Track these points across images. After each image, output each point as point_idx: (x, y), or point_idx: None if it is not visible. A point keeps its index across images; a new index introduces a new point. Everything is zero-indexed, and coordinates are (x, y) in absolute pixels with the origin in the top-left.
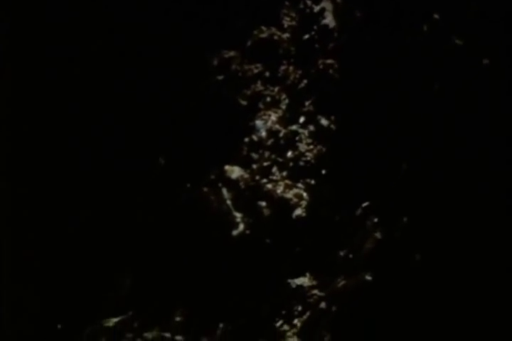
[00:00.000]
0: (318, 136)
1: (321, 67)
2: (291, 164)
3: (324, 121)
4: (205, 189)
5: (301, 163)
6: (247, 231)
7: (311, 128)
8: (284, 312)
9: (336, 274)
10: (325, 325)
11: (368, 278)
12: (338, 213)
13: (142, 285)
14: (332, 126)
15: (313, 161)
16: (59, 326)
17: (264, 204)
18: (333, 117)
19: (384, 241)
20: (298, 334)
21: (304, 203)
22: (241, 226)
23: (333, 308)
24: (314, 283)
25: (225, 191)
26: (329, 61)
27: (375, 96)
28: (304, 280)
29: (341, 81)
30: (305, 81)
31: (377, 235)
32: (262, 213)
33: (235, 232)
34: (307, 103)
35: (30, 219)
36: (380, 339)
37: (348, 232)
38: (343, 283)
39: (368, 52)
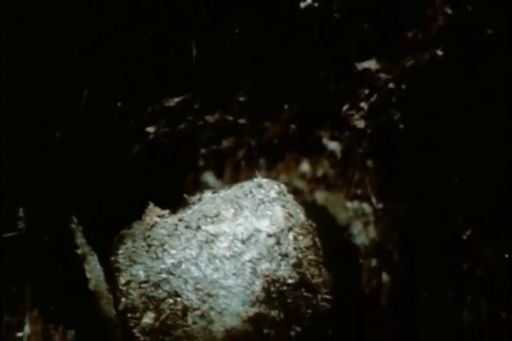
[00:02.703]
0: None
1: None
2: None
3: None
4: None
5: None
6: (315, 4)
7: None
8: (350, 96)
9: (405, 55)
10: (394, 104)
11: (439, 52)
12: None
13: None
14: None
15: None
16: (119, 104)
17: None
18: None
19: (455, 16)
20: (365, 117)
21: None
22: None
23: (403, 86)
24: (382, 66)
25: None
26: None
27: None
28: (371, 63)
29: None
30: None
31: (448, 10)
32: None
33: (302, 4)
34: None
35: None
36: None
37: (417, 12)
38: (412, 61)
39: None
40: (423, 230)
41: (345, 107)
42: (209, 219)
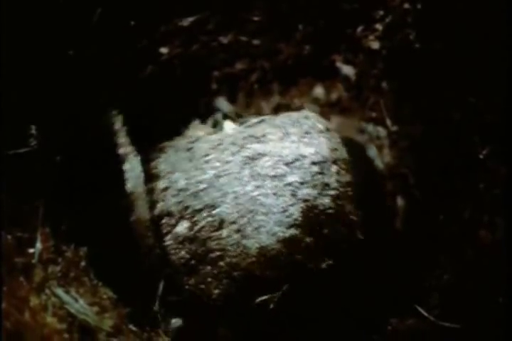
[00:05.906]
0: None
1: None
2: None
3: None
4: None
5: None
6: None
7: None
8: (365, 17)
9: None
10: (410, 24)
11: None
12: None
13: None
14: None
15: None
16: (132, 22)
17: None
18: None
19: None
20: (380, 38)
21: None
22: None
23: (418, 6)
24: None
25: None
26: None
27: None
28: None
29: None
30: None
31: None
32: None
33: None
34: None
35: None
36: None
37: None
38: None
39: None
40: (438, 152)
41: (359, 28)
42: (255, 139)
